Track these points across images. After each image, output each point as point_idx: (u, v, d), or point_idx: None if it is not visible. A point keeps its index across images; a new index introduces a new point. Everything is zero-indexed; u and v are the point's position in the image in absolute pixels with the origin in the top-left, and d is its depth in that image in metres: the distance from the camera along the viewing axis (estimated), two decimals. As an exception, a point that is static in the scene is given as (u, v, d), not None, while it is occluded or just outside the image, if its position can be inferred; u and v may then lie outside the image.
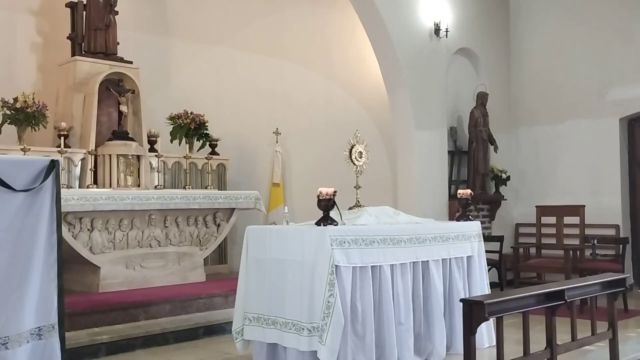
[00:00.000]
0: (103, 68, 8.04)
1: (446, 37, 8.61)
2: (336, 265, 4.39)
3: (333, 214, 4.64)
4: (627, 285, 5.35)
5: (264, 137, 9.61)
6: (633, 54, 8.70)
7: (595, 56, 8.99)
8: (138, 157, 7.97)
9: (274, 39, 9.70)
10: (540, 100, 9.51)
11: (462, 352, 3.76)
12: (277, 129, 9.51)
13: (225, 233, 8.05)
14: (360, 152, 5.32)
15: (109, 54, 8.25)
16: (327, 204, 4.56)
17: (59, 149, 7.25)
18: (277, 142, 9.52)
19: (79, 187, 7.58)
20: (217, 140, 9.12)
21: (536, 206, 8.47)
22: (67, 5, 8.37)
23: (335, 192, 4.58)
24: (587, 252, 7.93)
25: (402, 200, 8.23)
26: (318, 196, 4.57)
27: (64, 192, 5.76)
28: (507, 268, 8.64)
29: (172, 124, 8.83)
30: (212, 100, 9.47)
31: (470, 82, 9.21)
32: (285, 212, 5.26)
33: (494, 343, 4.77)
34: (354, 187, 5.35)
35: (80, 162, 7.69)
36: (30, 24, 8.47)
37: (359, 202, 5.35)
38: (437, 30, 8.53)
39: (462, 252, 5.42)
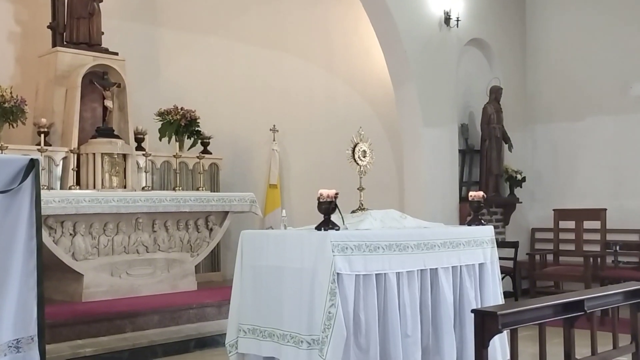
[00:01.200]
0: (86, 60, 8.05)
1: (457, 26, 8.61)
2: (338, 273, 4.39)
3: (334, 217, 4.63)
4: (652, 295, 5.35)
5: (260, 135, 9.62)
6: (658, 45, 8.71)
7: (617, 47, 8.99)
8: (124, 156, 7.98)
9: (272, 28, 9.70)
10: (559, 95, 9.51)
11: (474, 367, 3.77)
12: (274, 126, 9.52)
13: (218, 238, 8.06)
14: (364, 151, 5.32)
15: (93, 44, 8.26)
16: (328, 207, 4.56)
17: (39, 147, 7.25)
18: (274, 140, 9.53)
19: (61, 188, 7.59)
20: (209, 138, 9.13)
21: (554, 210, 8.47)
22: (47, -8, 8.39)
23: (336, 194, 4.58)
24: (609, 259, 7.93)
25: (409, 203, 8.24)
26: (318, 198, 4.57)
27: (44, 193, 5.77)
28: (522, 276, 8.64)
29: (160, 121, 8.84)
30: (204, 95, 9.48)
31: (483, 76, 9.22)
32: (282, 216, 5.28)
33: (508, 357, 4.77)
34: (357, 188, 5.35)
35: (61, 162, 7.70)
36: (8, 12, 8.48)
37: (362, 205, 5.35)
38: (447, 19, 8.54)
39: (474, 259, 5.41)
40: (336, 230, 4.56)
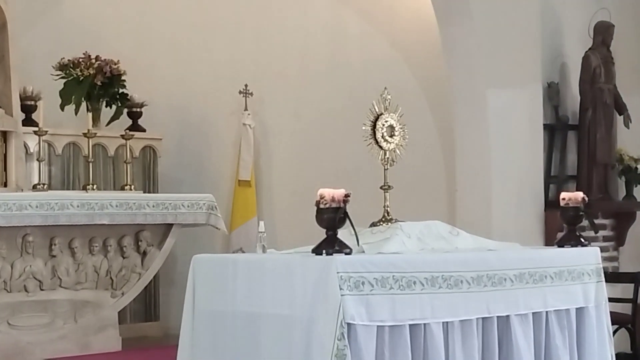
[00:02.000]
0: (-56, -20, 8.06)
1: None
2: (349, 324, 4.40)
3: (343, 234, 4.65)
4: None
5: (223, 101, 9.65)
6: None
7: None
8: (4, 135, 7.98)
9: None
10: None
11: None
12: (246, 86, 9.53)
13: (155, 267, 8.08)
14: (391, 127, 5.33)
15: (-46, -45, 8.28)
16: (333, 216, 4.56)
17: None
18: (245, 110, 9.53)
19: None
20: (141, 106, 9.13)
21: (697, 221, 8.50)
22: None
23: (347, 195, 4.58)
24: None
25: (464, 211, 8.25)
26: (317, 203, 4.58)
27: None
28: (647, 329, 8.66)
29: (63, 78, 8.84)
30: (134, 37, 9.50)
31: (583, 6, 9.20)
32: (260, 231, 5.26)
33: None
34: (381, 187, 5.37)
35: None
36: None
37: (388, 213, 5.37)
38: None
39: (569, 301, 5.43)
40: (346, 254, 4.57)
